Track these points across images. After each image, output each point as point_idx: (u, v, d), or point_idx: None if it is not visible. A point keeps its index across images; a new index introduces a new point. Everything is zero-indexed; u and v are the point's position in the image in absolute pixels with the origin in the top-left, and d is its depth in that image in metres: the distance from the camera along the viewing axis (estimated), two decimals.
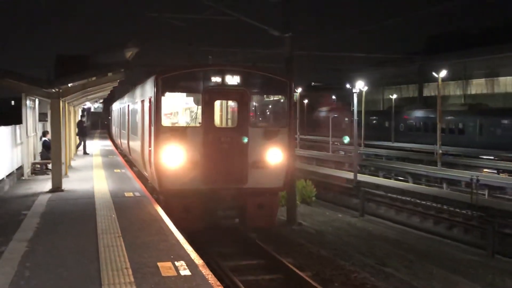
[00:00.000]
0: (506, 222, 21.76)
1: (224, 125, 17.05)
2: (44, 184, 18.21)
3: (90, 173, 21.88)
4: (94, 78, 17.90)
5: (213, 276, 8.16)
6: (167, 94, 15.18)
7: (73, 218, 12.59)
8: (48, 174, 20.25)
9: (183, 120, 17.75)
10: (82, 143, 31.56)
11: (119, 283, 7.73)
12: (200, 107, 15.13)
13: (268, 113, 17.48)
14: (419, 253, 17.02)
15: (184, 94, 16.19)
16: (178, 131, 15.05)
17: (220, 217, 15.34)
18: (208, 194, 14.97)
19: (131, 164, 25.63)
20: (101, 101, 48.63)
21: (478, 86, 74.81)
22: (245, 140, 15.17)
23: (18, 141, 20.10)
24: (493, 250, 17.65)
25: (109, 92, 32.39)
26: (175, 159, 14.60)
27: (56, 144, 17.01)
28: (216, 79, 14.95)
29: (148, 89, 16.54)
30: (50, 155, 18.36)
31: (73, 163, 25.76)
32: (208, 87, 14.92)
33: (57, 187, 16.81)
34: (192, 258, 9.11)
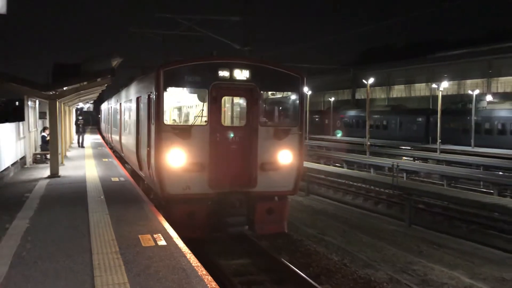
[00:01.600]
0: (419, 199, 22.25)
1: (232, 124, 12.99)
2: (44, 171, 17.88)
3: (83, 162, 21.54)
4: (85, 83, 17.75)
5: (184, 245, 8.16)
6: (170, 89, 11.43)
7: (68, 199, 12.37)
8: (47, 163, 19.94)
9: (187, 118, 14.44)
10: (80, 138, 31.08)
11: (107, 252, 7.69)
12: (206, 104, 11.47)
13: (278, 111, 13.49)
14: (352, 224, 17.24)
15: (188, 89, 12.18)
16: (182, 130, 11.17)
17: (228, 224, 11.49)
18: (214, 199, 11.43)
19: (119, 157, 23.64)
20: (92, 102, 47.63)
21: (398, 91, 76.36)
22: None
23: (21, 135, 19.89)
24: (410, 221, 17.99)
25: (98, 95, 31.90)
26: (178, 161, 11.04)
27: (54, 138, 16.82)
28: (224, 73, 11.35)
29: (146, 85, 12.99)
30: (48, 147, 18.18)
31: (68, 154, 25.33)
32: (215, 82, 11.26)
33: (54, 174, 16.61)
34: (168, 231, 9.09)
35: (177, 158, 11.02)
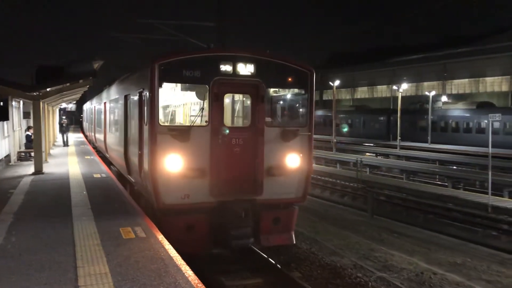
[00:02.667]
0: (381, 191, 22.60)
1: (235, 124, 11.17)
2: (28, 168, 17.47)
3: (66, 159, 21.15)
4: (68, 84, 17.40)
5: (163, 237, 8.11)
6: (165, 85, 9.56)
7: (52, 195, 12.14)
8: (31, 160, 19.49)
9: (185, 118, 12.41)
10: (64, 137, 30.50)
11: (89, 244, 7.59)
12: (206, 101, 9.59)
13: (285, 109, 11.67)
14: (320, 215, 17.41)
15: (187, 85, 10.24)
16: (179, 132, 9.29)
17: (232, 237, 9.55)
18: (216, 209, 9.59)
19: (103, 157, 22.08)
20: (74, 102, 46.79)
21: (362, 92, 77.29)
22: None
23: (6, 134, 19.39)
24: (372, 212, 18.27)
25: (80, 95, 31.37)
26: (176, 166, 9.20)
27: (37, 136, 16.50)
28: (226, 67, 9.54)
29: (137, 81, 11.07)
30: (32, 145, 17.82)
31: (52, 152, 24.86)
32: (217, 78, 9.43)
33: (38, 171, 16.25)
34: (147, 224, 9.02)
35: (174, 163, 9.19)
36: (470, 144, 38.02)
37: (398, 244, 13.58)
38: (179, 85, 10.25)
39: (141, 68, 10.61)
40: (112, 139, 16.19)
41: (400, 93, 44.55)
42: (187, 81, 9.59)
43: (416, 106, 50.39)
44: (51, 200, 11.46)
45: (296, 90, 10.97)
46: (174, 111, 12.83)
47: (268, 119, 10.07)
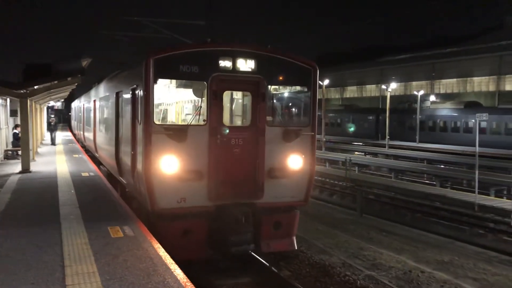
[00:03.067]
0: (370, 190, 22.72)
1: (234, 123, 10.52)
2: (15, 167, 17.30)
3: (54, 158, 20.97)
4: (56, 82, 17.26)
5: (152, 236, 8.08)
6: (161, 81, 8.97)
7: (39, 194, 12.03)
8: (18, 158, 19.27)
9: (181, 116, 11.86)
10: (52, 135, 30.23)
11: (77, 243, 7.53)
12: (204, 99, 9.01)
13: (286, 108, 11.05)
14: (309, 214, 17.43)
15: (183, 82, 9.72)
16: (176, 132, 8.74)
17: (231, 243, 9.05)
18: (214, 213, 9.13)
19: (92, 156, 21.60)
20: (62, 100, 46.43)
21: (351, 91, 77.60)
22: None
23: None
24: (361, 211, 18.35)
25: (68, 93, 31.10)
26: (172, 168, 8.67)
27: (25, 135, 16.37)
28: (225, 63, 9.02)
29: (130, 77, 10.47)
30: (19, 143, 17.64)
31: (39, 150, 24.64)
32: (215, 74, 8.91)
33: (25, 169, 16.12)
34: (136, 223, 8.98)
35: (169, 165, 8.65)
36: (458, 144, 38.38)
37: (387, 242, 13.65)
38: (173, 81, 9.78)
39: (135, 64, 10.07)
40: (102, 138, 15.60)
41: (389, 93, 44.85)
42: (184, 77, 9.10)
43: (404, 105, 50.76)
44: (39, 199, 11.35)
45: (298, 88, 10.52)
46: (166, 109, 12.27)
47: (269, 118, 9.58)
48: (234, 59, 9.11)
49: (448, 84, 61.00)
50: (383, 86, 51.95)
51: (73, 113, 42.41)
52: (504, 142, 33.71)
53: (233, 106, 10.76)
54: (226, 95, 9.76)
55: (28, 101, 16.85)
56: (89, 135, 20.98)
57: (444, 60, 61.25)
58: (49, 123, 31.65)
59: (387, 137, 41.75)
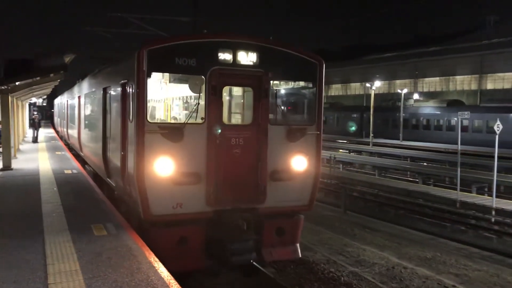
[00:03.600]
0: (354, 187, 22.89)
1: (234, 121, 9.88)
2: None
3: (36, 155, 20.71)
4: (38, 78, 16.99)
5: (135, 234, 8.03)
6: (154, 75, 8.30)
7: (21, 191, 11.87)
8: None
9: (176, 113, 11.02)
10: (35, 133, 29.80)
11: (59, 241, 7.46)
12: (202, 95, 8.26)
13: (290, 105, 10.31)
14: None
15: (180, 76, 9.01)
16: (171, 131, 8.01)
17: (232, 252, 8.38)
18: (213, 219, 8.40)
19: (76, 155, 20.94)
20: (45, 97, 45.82)
21: (336, 89, 78.04)
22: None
23: None
24: (345, 207, 18.47)
25: (51, 90, 30.70)
26: (167, 170, 7.94)
27: (6, 132, 16.17)
28: (225, 56, 8.30)
29: (120, 71, 9.70)
30: (0, 140, 17.38)
31: (21, 147, 24.28)
32: (215, 67, 8.19)
33: (7, 166, 15.89)
34: (119, 221, 8.91)
35: (164, 167, 7.92)
36: (441, 141, 38.84)
37: (370, 239, 13.77)
38: (166, 76, 9.13)
39: (125, 56, 9.27)
40: (88, 137, 14.82)
41: (373, 91, 45.18)
42: (180, 70, 8.31)
43: (388, 103, 51.20)
44: (20, 196, 11.20)
45: (302, 83, 9.80)
46: (158, 106, 11.61)
47: (271, 116, 8.88)
48: (234, 52, 8.36)
49: (431, 83, 61.68)
50: (368, 84, 52.33)
51: (56, 110, 41.85)
52: (485, 140, 34.23)
53: (233, 102, 10.06)
54: (225, 90, 9.07)
55: (10, 97, 16.62)
56: (73, 132, 20.17)
57: (427, 59, 61.91)
58: (32, 120, 31.14)
59: (371, 135, 42.07)
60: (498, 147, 17.70)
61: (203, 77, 8.19)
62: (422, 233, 15.58)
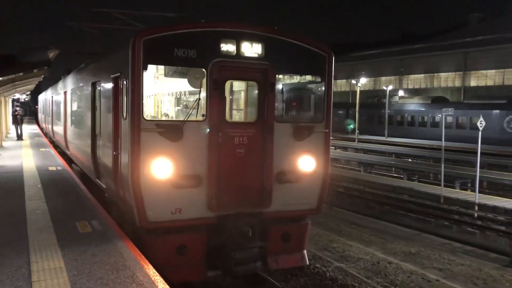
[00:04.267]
0: (339, 183, 23.00)
1: (237, 119, 9.26)
2: None
3: (19, 151, 20.41)
4: (21, 74, 16.72)
5: (121, 231, 7.97)
6: (151, 68, 7.82)
7: (4, 189, 11.69)
8: None
9: (173, 110, 10.22)
10: (18, 129, 29.32)
11: (44, 239, 7.38)
12: (203, 90, 7.62)
13: (296, 101, 9.54)
14: None
15: (178, 69, 8.26)
16: (170, 129, 7.34)
17: (235, 260, 7.84)
18: (215, 226, 7.80)
19: (59, 149, 20.89)
20: (29, 92, 45.19)
21: None
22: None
23: None
24: (331, 203, 18.54)
25: (35, 86, 30.26)
26: (165, 172, 7.31)
27: None
28: (228, 47, 7.65)
29: (111, 64, 9.00)
30: None
31: (4, 144, 23.94)
32: (217, 60, 7.56)
33: None
34: (104, 218, 8.84)
35: (162, 169, 7.29)
36: (425, 138, 39.21)
37: (356, 234, 13.87)
38: (161, 69, 8.37)
39: (117, 48, 8.57)
40: (75, 134, 14.00)
41: (358, 87, 45.42)
42: (179, 63, 7.61)
43: (374, 100, 51.51)
44: (3, 193, 11.04)
45: (309, 77, 9.14)
46: (162, 102, 10.77)
47: (277, 113, 8.22)
48: (238, 42, 7.70)
49: (416, 80, 62.20)
50: (353, 81, 52.58)
51: (40, 106, 41.27)
52: (469, 137, 34.64)
53: (236, 98, 9.42)
54: (227, 85, 8.37)
55: None
56: (58, 130, 19.46)
57: (412, 56, 62.38)
58: (14, 116, 30.56)
59: (357, 131, 42.32)
60: (481, 143, 17.92)
61: (204, 70, 7.57)
62: (406, 228, 15.74)
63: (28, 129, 37.78)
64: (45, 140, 27.43)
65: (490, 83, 53.30)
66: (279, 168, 8.16)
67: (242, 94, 9.28)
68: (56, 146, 22.92)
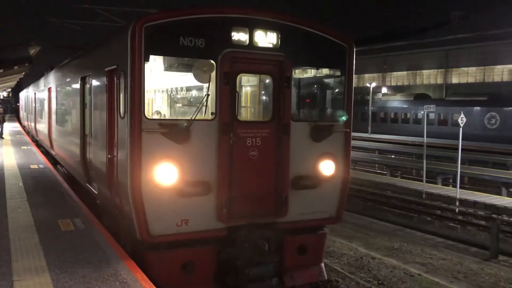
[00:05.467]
0: None
1: (250, 117, 8.34)
2: None
3: (0, 150, 20.07)
4: (1, 71, 16.50)
5: (104, 229, 7.92)
6: (153, 59, 6.72)
7: None
8: None
9: (179, 108, 9.28)
10: (0, 127, 28.79)
11: (25, 238, 7.29)
12: (212, 85, 6.76)
13: (313, 97, 8.76)
14: None
15: (184, 60, 7.13)
16: (175, 129, 6.47)
17: (248, 277, 6.98)
18: (226, 238, 6.97)
19: (42, 149, 20.13)
20: (9, 89, 44.48)
21: None
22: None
23: None
24: None
25: (16, 82, 29.76)
26: (169, 179, 6.45)
27: None
28: (240, 35, 6.80)
29: (106, 55, 8.09)
30: None
31: None
32: (228, 50, 6.71)
33: None
34: (87, 216, 8.76)
35: (167, 175, 6.43)
36: (408, 134, 39.61)
37: (339, 230, 13.96)
38: (159, 61, 7.17)
39: (112, 37, 7.76)
40: (61, 134, 13.06)
41: None
42: (186, 53, 6.65)
43: (357, 97, 51.84)
44: None
45: (327, 71, 8.19)
46: (164, 99, 9.79)
47: (293, 111, 7.40)
48: (251, 31, 6.85)
49: (399, 77, 62.76)
50: None
51: (22, 103, 40.57)
52: (450, 133, 35.12)
53: (247, 94, 8.52)
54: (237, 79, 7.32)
55: None
56: (42, 128, 18.28)
57: (395, 53, 62.91)
58: None
59: None
60: (463, 139, 18.17)
61: (212, 61, 6.70)
62: (389, 224, 15.89)
63: (10, 127, 37.20)
64: (27, 138, 27.05)
65: (471, 80, 54.03)
66: (296, 173, 7.35)
67: (252, 89, 8.39)
68: (39, 145, 22.38)
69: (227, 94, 6.74)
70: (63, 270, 5.95)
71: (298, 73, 7.87)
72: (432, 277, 10.27)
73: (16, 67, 16.26)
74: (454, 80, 56.09)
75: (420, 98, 44.24)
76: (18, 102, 50.77)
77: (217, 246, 6.96)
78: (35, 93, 22.77)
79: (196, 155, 6.64)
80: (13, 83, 29.90)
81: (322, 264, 8.16)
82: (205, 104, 6.71)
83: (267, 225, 7.17)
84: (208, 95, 6.74)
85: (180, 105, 9.23)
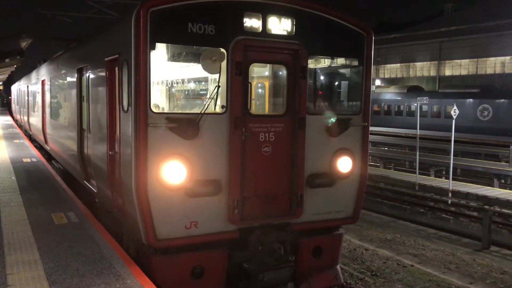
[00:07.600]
0: None
1: (262, 110, 7.79)
2: None
3: None
4: None
5: (98, 222, 7.91)
6: (159, 47, 6.13)
7: None
8: None
9: (187, 101, 8.76)
10: None
11: (18, 231, 7.27)
12: (223, 75, 6.27)
13: (329, 89, 8.17)
14: None
15: (192, 49, 6.66)
16: (183, 124, 6.00)
17: (262, 283, 6.60)
18: (238, 241, 6.56)
19: (36, 144, 19.85)
20: (1, 83, 44.10)
21: None
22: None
23: None
24: None
25: (7, 76, 29.52)
26: (177, 178, 6.00)
27: None
28: (252, 22, 6.33)
29: (107, 44, 7.56)
30: None
31: None
32: (240, 38, 6.24)
33: None
34: (81, 210, 8.74)
35: (175, 173, 5.98)
36: (401, 126, 39.71)
37: None
38: (162, 50, 6.56)
39: (113, 25, 7.28)
40: (56, 129, 12.59)
41: None
42: (195, 41, 6.13)
43: None
44: None
45: (344, 60, 7.74)
46: (172, 90, 9.08)
47: (308, 104, 6.90)
48: (264, 17, 6.38)
49: (393, 69, 62.86)
50: None
51: (14, 96, 40.22)
52: (443, 125, 35.26)
53: (259, 85, 8.00)
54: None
55: None
56: (36, 122, 17.86)
57: (388, 46, 62.95)
58: None
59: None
60: (455, 131, 18.26)
61: (223, 50, 6.19)
62: (383, 215, 15.99)
63: (2, 120, 36.97)
64: (19, 131, 26.89)
65: (464, 72, 54.22)
66: (311, 170, 6.95)
67: (266, 80, 7.86)
68: (32, 139, 22.08)
69: (239, 85, 6.27)
70: (56, 264, 5.94)
71: (313, 63, 7.36)
72: (425, 268, 10.36)
73: (7, 60, 16.10)
74: (447, 72, 56.27)
75: (413, 90, 44.34)
76: (10, 96, 50.40)
77: (228, 249, 6.59)
78: (27, 86, 22.20)
79: (205, 151, 6.20)
80: (4, 76, 29.63)
81: (338, 267, 7.82)
82: (215, 96, 6.28)
83: (282, 226, 6.78)
84: (218, 86, 6.25)
85: (188, 97, 8.74)
